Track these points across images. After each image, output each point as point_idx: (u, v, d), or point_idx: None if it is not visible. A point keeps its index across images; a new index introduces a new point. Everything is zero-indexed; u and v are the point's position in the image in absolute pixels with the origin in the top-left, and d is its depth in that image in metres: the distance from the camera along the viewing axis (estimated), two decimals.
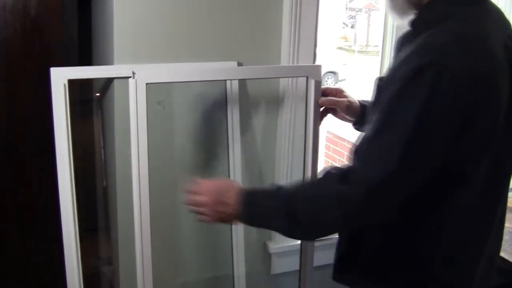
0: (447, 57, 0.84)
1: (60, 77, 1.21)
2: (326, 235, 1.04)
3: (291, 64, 1.46)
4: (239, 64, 1.43)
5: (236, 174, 1.46)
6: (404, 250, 0.99)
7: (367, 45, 14.32)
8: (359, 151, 0.92)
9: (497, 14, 0.97)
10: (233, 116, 1.45)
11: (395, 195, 0.90)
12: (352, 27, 15.09)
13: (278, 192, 1.00)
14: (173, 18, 1.36)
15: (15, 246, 1.65)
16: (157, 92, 1.34)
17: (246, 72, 1.37)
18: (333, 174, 0.94)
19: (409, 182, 0.89)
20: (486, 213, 0.99)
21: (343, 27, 14.76)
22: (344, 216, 0.92)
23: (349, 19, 15.16)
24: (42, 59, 1.54)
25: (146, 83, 1.17)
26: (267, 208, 0.99)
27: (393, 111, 0.87)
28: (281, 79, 1.49)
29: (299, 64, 1.47)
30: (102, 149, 1.67)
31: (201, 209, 1.04)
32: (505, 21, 0.99)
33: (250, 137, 1.50)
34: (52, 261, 1.45)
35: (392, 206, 0.93)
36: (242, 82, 1.46)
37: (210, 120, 1.47)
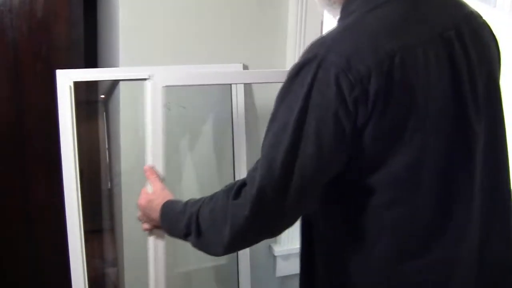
0: (323, 51, 0.81)
1: (66, 79, 1.21)
2: (230, 247, 0.95)
3: None
4: (245, 67, 1.43)
5: (241, 175, 1.46)
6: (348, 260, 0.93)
7: None
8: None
9: (438, 2, 0.92)
10: (239, 120, 1.44)
11: (291, 202, 0.85)
12: None
13: (186, 204, 1.00)
14: (178, 20, 1.37)
15: (22, 247, 1.65)
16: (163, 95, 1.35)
17: (261, 75, 1.36)
18: (231, 186, 0.91)
19: (300, 190, 0.84)
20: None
21: None
22: (234, 226, 0.89)
23: None
24: (49, 60, 1.54)
25: (163, 86, 1.17)
26: (177, 220, 1.00)
27: (275, 114, 0.85)
28: None
29: None
30: (107, 151, 1.68)
31: (139, 218, 1.15)
32: (451, 10, 0.93)
33: (256, 140, 1.50)
34: (58, 262, 1.46)
35: (294, 212, 0.88)
36: (248, 85, 1.45)
37: (216, 123, 1.47)
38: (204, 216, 0.94)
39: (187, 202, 1.01)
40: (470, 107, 0.88)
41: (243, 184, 0.88)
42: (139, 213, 1.15)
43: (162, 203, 1.07)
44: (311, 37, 1.46)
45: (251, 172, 0.87)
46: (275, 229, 0.93)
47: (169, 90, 1.35)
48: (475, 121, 0.89)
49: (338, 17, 0.93)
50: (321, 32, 1.50)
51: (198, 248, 0.99)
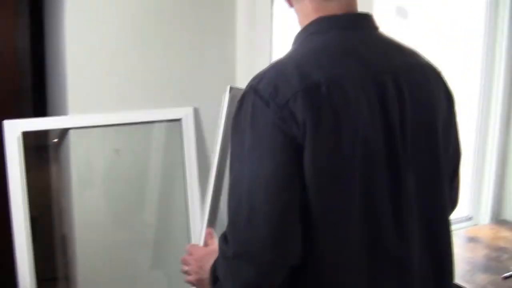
0: (255, 85, 0.85)
1: (14, 130, 1.21)
2: None
3: None
4: (196, 110, 1.45)
5: (194, 210, 1.46)
6: None
7: None
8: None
9: (373, 47, 0.93)
10: (190, 157, 1.46)
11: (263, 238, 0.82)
12: None
13: None
14: (126, 67, 1.38)
15: None
16: (113, 140, 1.36)
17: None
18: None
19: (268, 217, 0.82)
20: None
21: None
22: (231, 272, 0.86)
23: None
24: None
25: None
26: None
27: (232, 148, 0.88)
28: None
29: None
30: (61, 196, 1.65)
31: (186, 268, 1.07)
32: (394, 56, 0.95)
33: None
34: None
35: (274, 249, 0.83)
36: (199, 125, 1.48)
37: (167, 162, 1.48)
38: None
39: None
40: (399, 153, 0.89)
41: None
42: (187, 266, 1.07)
43: None
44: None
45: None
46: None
47: (120, 134, 1.36)
48: (403, 168, 0.90)
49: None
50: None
51: None
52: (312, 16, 0.93)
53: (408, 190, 0.91)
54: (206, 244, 1.16)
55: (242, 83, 1.48)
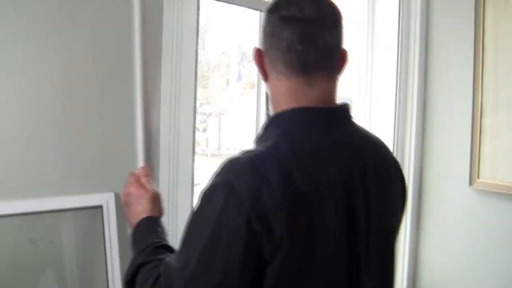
0: (232, 177, 0.85)
1: None
2: None
3: None
4: (117, 195, 1.41)
5: None
6: None
7: (219, 148, 14.71)
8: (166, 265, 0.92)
9: (348, 145, 0.95)
10: (112, 247, 1.39)
11: None
12: (204, 131, 15.54)
13: (144, 249, 1.02)
14: (43, 149, 1.32)
15: None
16: (28, 230, 1.27)
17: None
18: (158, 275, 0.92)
19: None
20: None
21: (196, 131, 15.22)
22: None
23: (200, 123, 15.64)
24: None
25: None
26: (134, 251, 1.05)
27: (196, 218, 0.89)
28: None
29: None
30: None
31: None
32: (360, 153, 0.96)
33: None
34: None
35: None
36: (119, 209, 1.43)
37: (88, 252, 1.40)
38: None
39: (152, 246, 1.02)
40: (362, 264, 0.91)
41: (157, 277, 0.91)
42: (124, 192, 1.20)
43: (148, 210, 1.12)
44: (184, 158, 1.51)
45: (166, 265, 0.90)
46: None
47: (36, 223, 1.28)
48: (365, 279, 0.92)
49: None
50: (192, 153, 1.53)
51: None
52: (290, 101, 0.93)
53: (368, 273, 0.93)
54: (140, 183, 1.20)
55: (165, 167, 1.47)
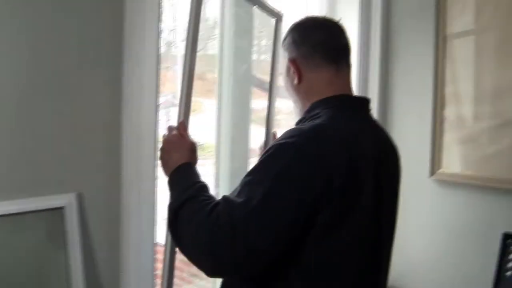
0: (302, 139, 1.07)
1: None
2: (183, 249, 1.11)
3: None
4: (79, 196, 1.37)
5: None
6: None
7: None
8: (232, 193, 1.08)
9: (373, 129, 1.26)
10: (75, 249, 1.36)
11: (254, 237, 1.01)
12: None
13: (190, 187, 1.15)
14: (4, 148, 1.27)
15: None
16: None
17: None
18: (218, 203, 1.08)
19: (267, 231, 1.02)
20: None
21: None
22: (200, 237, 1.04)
23: None
24: None
25: None
26: (176, 190, 1.17)
27: (261, 168, 1.08)
28: None
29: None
30: None
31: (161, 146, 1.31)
32: (378, 138, 1.26)
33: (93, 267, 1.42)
34: None
35: (253, 252, 1.02)
36: (83, 211, 1.39)
37: (49, 255, 1.36)
38: (190, 209, 1.10)
39: (198, 185, 1.16)
40: (383, 215, 1.20)
41: (217, 204, 1.07)
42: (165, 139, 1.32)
43: (186, 161, 1.25)
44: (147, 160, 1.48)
45: (227, 199, 1.07)
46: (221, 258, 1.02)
47: None
48: (385, 226, 1.22)
49: (299, 117, 1.27)
50: (155, 149, 1.50)
51: (169, 221, 1.14)
52: (327, 91, 1.22)
53: (384, 236, 1.23)
54: (180, 134, 1.32)
55: (129, 169, 1.45)
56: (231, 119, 2.12)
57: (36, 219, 1.31)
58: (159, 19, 1.49)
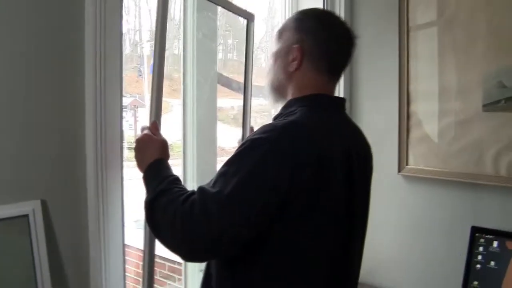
0: (275, 134, 1.13)
1: None
2: (159, 237, 1.19)
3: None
4: (43, 203, 1.33)
5: None
6: None
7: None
8: (208, 184, 1.15)
9: (346, 127, 1.34)
10: (40, 257, 1.32)
11: (227, 224, 1.09)
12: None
13: (163, 180, 1.22)
14: None
15: None
16: None
17: None
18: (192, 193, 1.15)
19: (238, 218, 1.09)
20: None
21: None
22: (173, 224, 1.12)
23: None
24: None
25: None
26: (150, 184, 1.24)
27: (236, 160, 1.14)
28: None
29: None
30: None
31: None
32: (351, 135, 1.33)
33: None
34: None
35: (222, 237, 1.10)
36: (48, 218, 1.35)
37: (15, 262, 1.32)
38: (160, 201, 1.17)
39: (170, 179, 1.23)
40: (355, 206, 1.27)
41: (192, 193, 1.15)
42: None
43: (158, 154, 1.31)
44: (112, 167, 1.45)
45: (202, 189, 1.13)
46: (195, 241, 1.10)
47: None
48: (356, 220, 1.30)
49: (278, 111, 1.34)
50: (121, 152, 1.47)
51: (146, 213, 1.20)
52: (314, 90, 1.28)
53: (355, 230, 1.30)
54: (152, 133, 1.38)
55: (94, 173, 1.41)
56: (197, 119, 2.10)
57: (0, 227, 1.26)
58: (120, 16, 1.46)
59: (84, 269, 1.44)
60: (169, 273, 3.74)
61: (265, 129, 1.16)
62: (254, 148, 1.13)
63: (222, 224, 1.08)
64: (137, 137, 1.37)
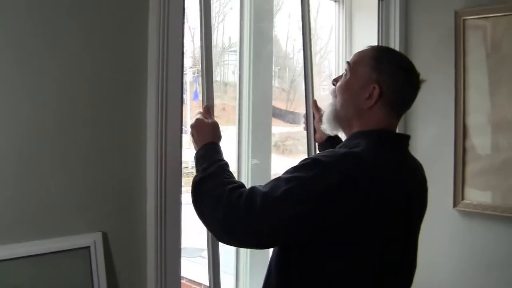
0: (336, 159, 1.18)
1: None
2: (201, 217, 1.27)
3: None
4: (104, 235, 1.34)
5: None
6: None
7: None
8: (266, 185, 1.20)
9: (407, 164, 1.32)
10: (100, 285, 1.32)
11: (266, 224, 1.15)
12: None
13: (213, 164, 1.31)
14: (19, 190, 1.22)
15: None
16: (11, 276, 1.19)
17: None
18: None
19: (278, 220, 1.14)
20: None
21: None
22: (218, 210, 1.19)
23: None
24: None
25: None
26: (201, 165, 1.33)
27: (292, 171, 1.20)
28: None
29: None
30: None
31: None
32: (412, 171, 1.33)
33: None
34: None
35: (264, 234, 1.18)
36: (107, 249, 1.36)
37: None
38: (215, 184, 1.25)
39: (220, 163, 1.33)
40: (407, 249, 1.28)
41: (242, 186, 1.24)
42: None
43: (212, 136, 1.41)
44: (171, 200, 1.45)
45: (254, 187, 1.21)
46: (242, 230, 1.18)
47: (20, 270, 1.21)
48: (408, 255, 1.30)
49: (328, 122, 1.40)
50: (179, 186, 1.48)
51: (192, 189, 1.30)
52: (380, 125, 1.30)
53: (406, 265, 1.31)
54: (203, 117, 1.47)
55: (152, 207, 1.42)
56: (251, 147, 2.14)
57: (62, 259, 1.28)
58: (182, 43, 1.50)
59: None
60: None
61: (329, 153, 1.23)
62: (312, 165, 1.18)
63: (261, 222, 1.15)
64: (191, 123, 1.46)
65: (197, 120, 1.45)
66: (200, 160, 1.36)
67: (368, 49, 1.37)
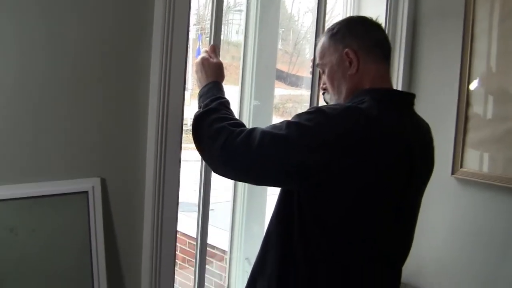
0: (340, 111, 1.20)
1: None
2: (199, 147, 1.33)
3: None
4: (102, 181, 1.34)
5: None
6: None
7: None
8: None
9: (412, 123, 1.32)
10: (97, 234, 1.33)
11: (262, 161, 1.19)
12: None
13: (216, 101, 1.35)
14: (20, 134, 1.22)
15: None
16: (8, 218, 1.19)
17: None
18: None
19: (276, 159, 1.18)
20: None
21: None
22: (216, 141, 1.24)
23: None
24: None
25: None
26: (202, 101, 1.39)
27: (296, 117, 1.22)
28: None
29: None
30: None
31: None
32: (418, 131, 1.34)
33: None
34: None
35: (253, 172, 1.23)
36: (106, 195, 1.36)
37: (71, 240, 1.33)
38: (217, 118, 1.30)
39: (221, 101, 1.37)
40: (407, 202, 1.29)
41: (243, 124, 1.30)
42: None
43: (215, 80, 1.44)
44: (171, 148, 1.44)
45: (255, 127, 1.24)
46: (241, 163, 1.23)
47: (16, 210, 1.21)
48: (407, 210, 1.32)
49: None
50: (180, 136, 1.47)
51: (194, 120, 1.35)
52: (378, 78, 1.32)
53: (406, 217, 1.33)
54: (208, 56, 1.51)
55: (152, 154, 1.41)
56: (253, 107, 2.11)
57: (60, 202, 1.28)
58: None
59: (137, 249, 1.46)
60: (209, 258, 3.77)
61: (333, 106, 1.26)
62: (316, 114, 1.19)
63: (257, 159, 1.19)
64: (196, 61, 1.50)
65: (203, 58, 1.48)
66: (203, 97, 1.40)
67: (320, 37, 1.43)
